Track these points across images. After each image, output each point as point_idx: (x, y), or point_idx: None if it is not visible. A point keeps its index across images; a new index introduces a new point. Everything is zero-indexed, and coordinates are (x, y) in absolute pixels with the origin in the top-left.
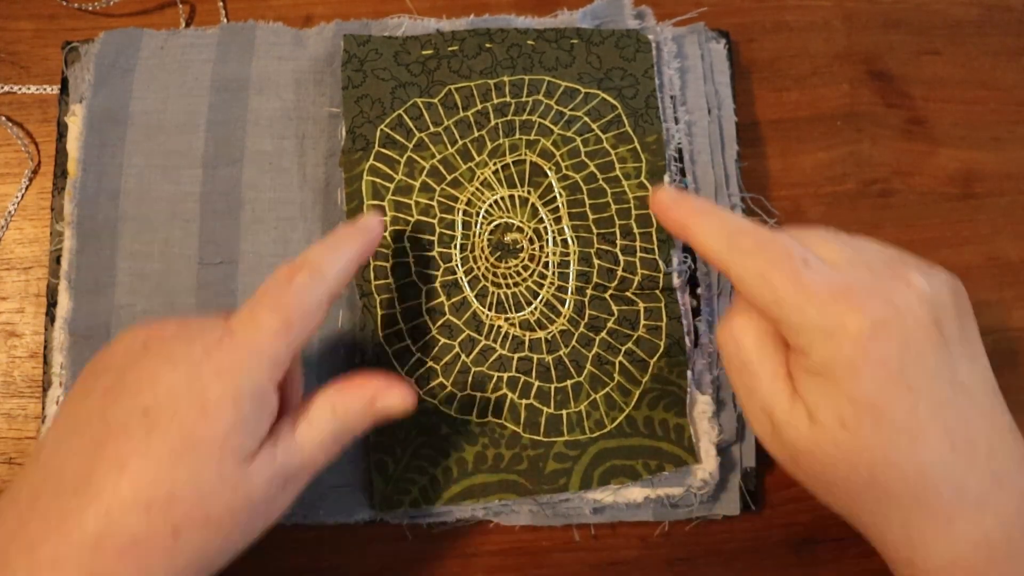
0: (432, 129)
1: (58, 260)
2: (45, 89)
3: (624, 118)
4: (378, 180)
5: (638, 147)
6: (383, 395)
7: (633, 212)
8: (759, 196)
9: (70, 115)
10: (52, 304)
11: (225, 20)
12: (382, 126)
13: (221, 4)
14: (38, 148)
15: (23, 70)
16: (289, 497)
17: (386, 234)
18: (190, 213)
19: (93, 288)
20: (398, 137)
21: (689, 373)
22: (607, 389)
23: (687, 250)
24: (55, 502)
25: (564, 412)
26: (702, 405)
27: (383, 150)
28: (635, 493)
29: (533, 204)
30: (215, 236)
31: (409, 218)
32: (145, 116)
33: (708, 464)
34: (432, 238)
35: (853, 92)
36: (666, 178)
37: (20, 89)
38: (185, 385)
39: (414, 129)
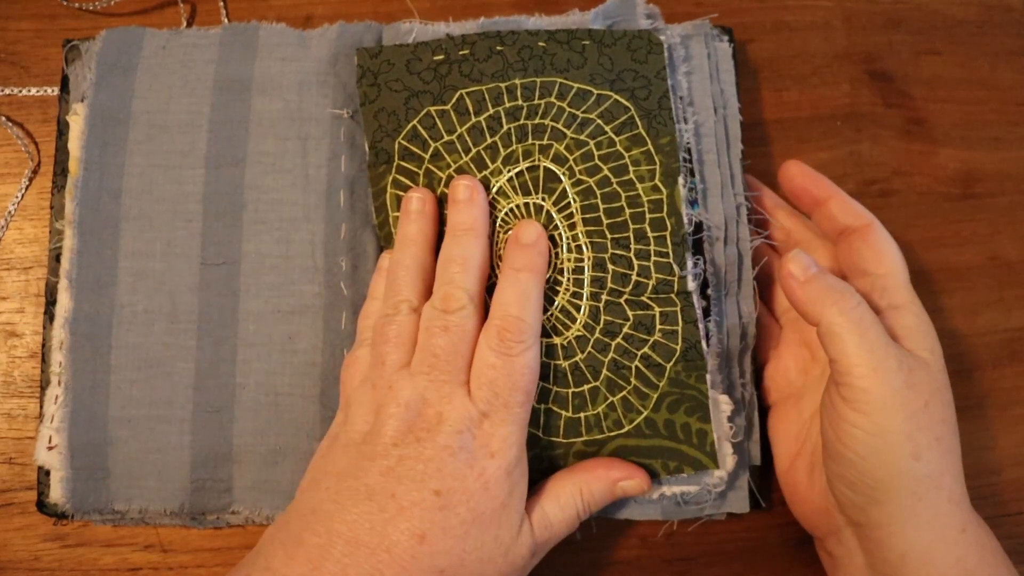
0: (446, 138)
1: (57, 259)
2: (46, 91)
3: (637, 120)
4: (401, 193)
5: (652, 149)
6: (626, 481)
7: (647, 216)
8: (761, 196)
9: (71, 114)
10: (51, 303)
11: (226, 20)
12: (399, 139)
13: (222, 4)
14: (38, 148)
15: (23, 70)
16: (534, 564)
17: None
18: (192, 213)
19: (94, 287)
20: (415, 149)
21: (707, 376)
22: (624, 393)
23: (699, 252)
24: (351, 557)
25: (582, 415)
26: (722, 405)
27: (403, 163)
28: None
29: (548, 211)
30: (217, 236)
31: None
32: (147, 116)
33: (727, 465)
34: None
35: (853, 92)
36: (680, 179)
37: (22, 91)
38: (467, 469)
39: (429, 140)
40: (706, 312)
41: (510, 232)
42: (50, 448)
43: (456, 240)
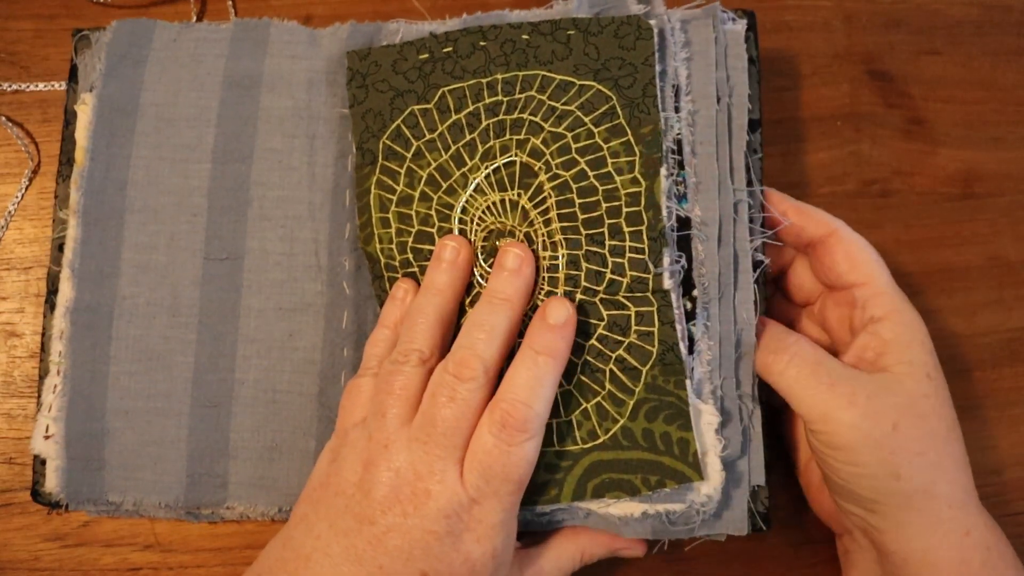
0: (428, 137)
1: (60, 248)
2: (52, 85)
3: (619, 109)
4: (383, 193)
5: (632, 139)
6: (626, 550)
7: (624, 210)
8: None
9: (80, 103)
10: (52, 292)
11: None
12: (383, 138)
13: (231, 3)
14: (38, 148)
15: (23, 70)
16: None
17: (392, 246)
18: (197, 207)
19: (96, 277)
20: (398, 148)
21: (688, 382)
22: (598, 398)
23: (681, 249)
24: None
25: (554, 421)
26: (707, 416)
27: (386, 163)
28: (632, 507)
29: (523, 207)
30: (221, 231)
31: (411, 229)
32: (155, 108)
33: (713, 480)
34: (432, 247)
35: (853, 92)
36: (663, 171)
37: (27, 87)
38: (453, 552)
39: (411, 139)
40: (691, 315)
41: (487, 230)
42: (47, 437)
43: (492, 308)
